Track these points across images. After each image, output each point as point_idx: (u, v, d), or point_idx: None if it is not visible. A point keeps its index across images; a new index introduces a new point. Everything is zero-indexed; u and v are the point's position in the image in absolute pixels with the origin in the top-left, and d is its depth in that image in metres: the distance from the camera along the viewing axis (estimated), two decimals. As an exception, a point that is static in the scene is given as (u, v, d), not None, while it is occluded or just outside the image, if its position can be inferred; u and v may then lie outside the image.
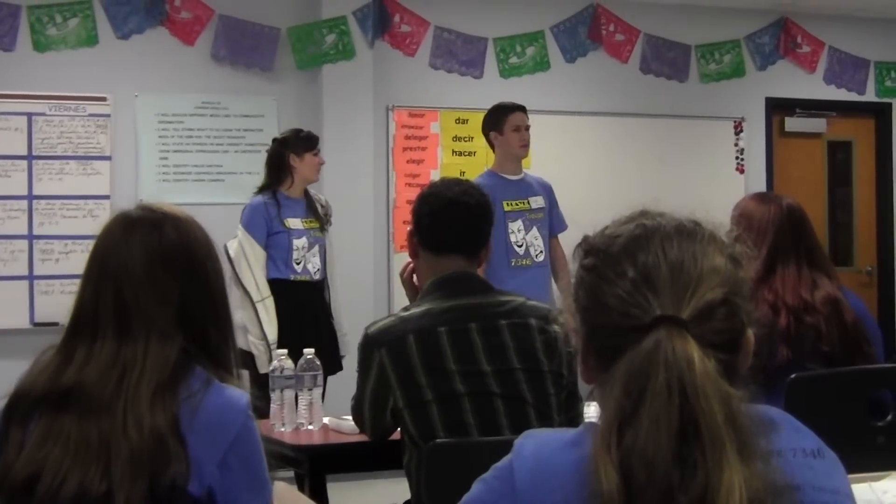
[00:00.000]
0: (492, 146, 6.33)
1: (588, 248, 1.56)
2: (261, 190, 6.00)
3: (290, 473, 4.27)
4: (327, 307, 6.10)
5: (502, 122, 6.22)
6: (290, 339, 5.28)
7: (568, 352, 3.12)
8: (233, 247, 5.84)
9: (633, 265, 1.48)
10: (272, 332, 5.78)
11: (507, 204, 6.14)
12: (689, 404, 1.36)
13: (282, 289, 5.88)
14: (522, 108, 6.31)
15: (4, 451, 2.03)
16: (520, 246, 6.13)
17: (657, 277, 1.47)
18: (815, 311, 3.53)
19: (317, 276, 6.01)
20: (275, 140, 6.13)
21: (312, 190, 6.17)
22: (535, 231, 6.20)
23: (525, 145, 6.24)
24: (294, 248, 5.90)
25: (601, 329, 1.50)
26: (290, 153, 5.94)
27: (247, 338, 5.72)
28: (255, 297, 5.79)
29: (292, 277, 5.91)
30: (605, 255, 1.52)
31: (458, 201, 3.28)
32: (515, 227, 6.17)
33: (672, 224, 1.53)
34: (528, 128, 6.26)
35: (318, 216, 6.04)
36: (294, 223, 5.93)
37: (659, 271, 1.47)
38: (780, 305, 3.52)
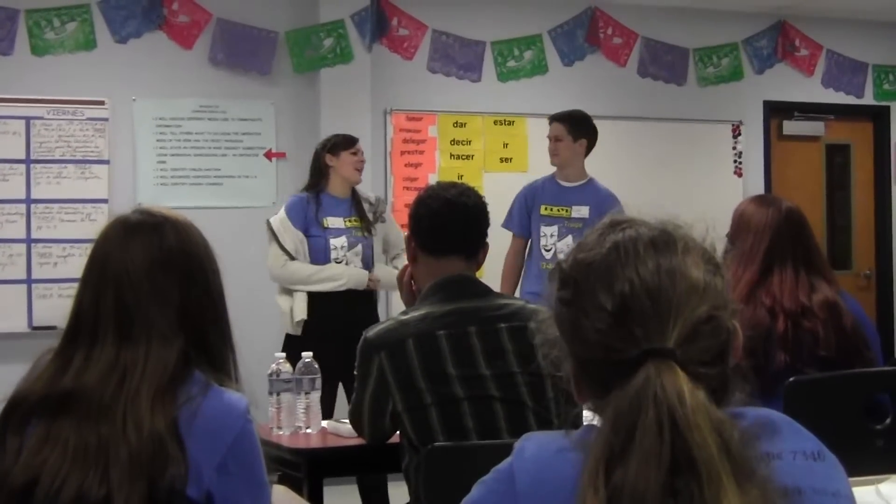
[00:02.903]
0: None
1: (562, 277, 1.53)
2: (303, 190, 5.98)
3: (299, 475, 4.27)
4: (373, 307, 6.03)
5: None
6: (336, 341, 5.25)
7: None
8: (274, 221, 5.84)
9: (610, 296, 1.45)
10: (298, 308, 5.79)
11: (545, 208, 6.34)
12: (682, 438, 1.35)
13: (322, 291, 5.82)
14: (552, 118, 6.55)
15: (2, 457, 2.02)
16: (548, 250, 6.22)
17: (637, 308, 1.43)
18: (812, 316, 3.53)
19: None
20: (316, 147, 6.12)
21: (364, 190, 6.10)
22: (569, 239, 6.30)
23: (553, 154, 6.45)
24: (332, 247, 5.83)
25: (588, 361, 1.48)
26: (326, 153, 5.93)
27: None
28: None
29: None
30: (579, 287, 1.49)
31: (455, 203, 3.29)
32: (549, 231, 6.33)
33: (645, 238, 1.49)
34: (553, 139, 6.45)
35: (364, 216, 5.97)
36: (334, 222, 5.86)
37: (638, 300, 1.44)
38: (777, 310, 3.52)
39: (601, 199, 6.37)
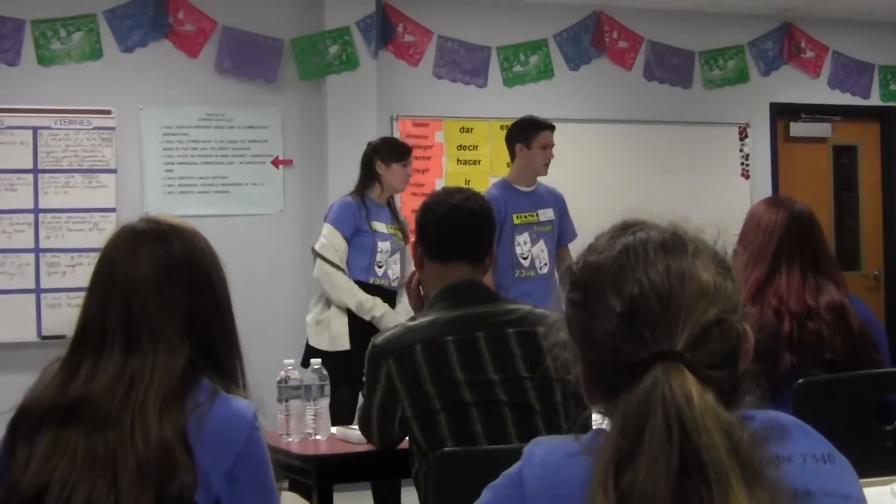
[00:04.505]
0: (513, 156, 6.37)
1: (573, 279, 1.53)
2: (352, 193, 5.97)
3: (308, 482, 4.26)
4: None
5: (531, 137, 6.26)
6: (363, 344, 5.26)
7: None
8: (318, 245, 5.85)
9: (620, 298, 1.45)
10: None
11: (517, 217, 6.22)
12: (691, 441, 1.34)
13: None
14: (553, 128, 6.35)
15: (12, 466, 2.03)
16: (525, 258, 6.17)
17: (646, 310, 1.43)
18: (818, 318, 3.52)
19: (394, 285, 5.93)
20: (369, 144, 6.11)
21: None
22: (541, 244, 6.25)
23: (548, 163, 6.29)
24: (378, 250, 5.84)
25: (598, 364, 1.48)
26: (378, 160, 5.91)
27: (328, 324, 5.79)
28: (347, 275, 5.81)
29: (371, 281, 5.85)
30: (589, 289, 1.49)
31: (461, 208, 3.29)
32: (522, 239, 6.23)
33: (655, 241, 1.49)
34: (553, 146, 6.31)
35: (401, 224, 6.00)
36: (380, 226, 5.87)
37: (647, 303, 1.43)
38: (783, 311, 3.52)
39: (558, 198, 6.42)
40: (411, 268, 6.06)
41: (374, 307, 5.74)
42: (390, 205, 6.02)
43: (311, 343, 5.80)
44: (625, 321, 1.44)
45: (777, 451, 1.41)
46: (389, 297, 5.94)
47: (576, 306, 1.51)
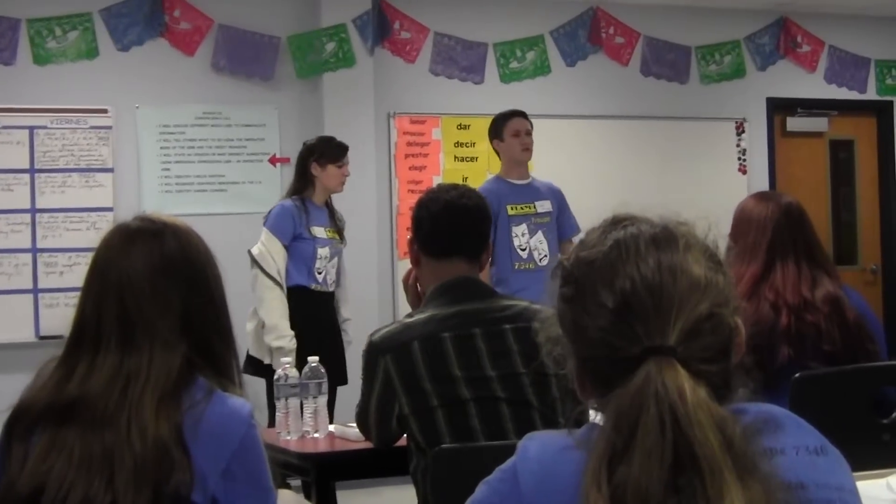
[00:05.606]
0: (498, 154, 6.40)
1: (564, 275, 1.53)
2: (289, 195, 5.92)
3: (298, 481, 4.26)
4: (337, 319, 6.06)
5: (502, 129, 6.29)
6: (308, 348, 5.23)
7: None
8: (255, 250, 5.76)
9: (612, 293, 1.45)
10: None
11: (512, 208, 6.22)
12: (684, 436, 1.35)
13: (302, 297, 5.78)
14: (521, 114, 6.35)
15: (7, 466, 2.03)
16: (523, 249, 6.17)
17: (638, 305, 1.43)
18: (815, 310, 3.52)
19: (331, 288, 5.94)
20: (304, 144, 6.07)
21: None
22: (540, 235, 6.25)
23: (526, 149, 6.27)
24: (318, 256, 5.80)
25: (590, 359, 1.48)
26: (313, 161, 5.86)
27: (262, 337, 5.68)
28: (284, 289, 5.73)
29: (313, 287, 5.82)
30: (581, 284, 1.49)
31: (456, 204, 3.29)
32: (519, 230, 6.23)
33: (646, 235, 1.49)
34: (528, 132, 6.29)
35: (338, 226, 5.98)
36: (319, 232, 5.83)
37: (639, 297, 1.44)
38: (780, 304, 3.52)
39: (556, 193, 6.41)
40: (348, 270, 6.08)
41: (282, 338, 5.63)
42: (328, 205, 5.98)
43: (251, 352, 5.69)
44: (617, 316, 1.44)
45: (770, 443, 1.42)
46: (330, 301, 5.93)
47: (568, 302, 1.51)
